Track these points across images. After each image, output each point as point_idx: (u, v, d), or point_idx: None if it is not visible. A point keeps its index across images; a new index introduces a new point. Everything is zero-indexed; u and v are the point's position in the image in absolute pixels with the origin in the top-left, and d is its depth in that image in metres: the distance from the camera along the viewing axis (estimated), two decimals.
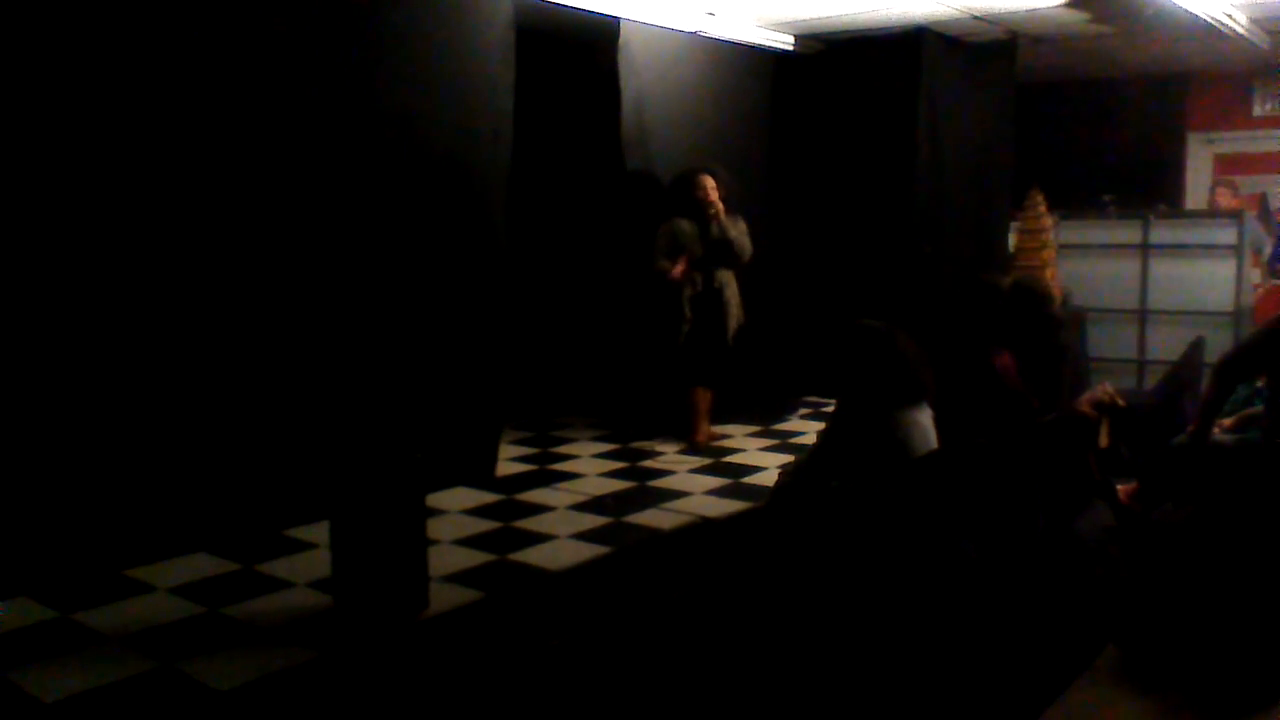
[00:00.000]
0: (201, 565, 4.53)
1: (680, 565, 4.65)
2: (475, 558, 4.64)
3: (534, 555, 4.69)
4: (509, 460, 6.27)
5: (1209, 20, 6.92)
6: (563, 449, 6.65)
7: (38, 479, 4.21)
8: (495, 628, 3.98)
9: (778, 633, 3.63)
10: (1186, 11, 6.66)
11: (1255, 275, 8.55)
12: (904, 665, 3.32)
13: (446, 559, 4.52)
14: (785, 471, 4.48)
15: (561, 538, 4.92)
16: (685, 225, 6.60)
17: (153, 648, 3.70)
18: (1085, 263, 8.40)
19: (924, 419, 3.94)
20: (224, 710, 3.29)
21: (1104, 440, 3.99)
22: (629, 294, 7.06)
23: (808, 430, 7.23)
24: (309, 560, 4.60)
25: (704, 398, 6.78)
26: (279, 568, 4.52)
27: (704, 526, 5.12)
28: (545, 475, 6.05)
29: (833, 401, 7.83)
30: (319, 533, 4.84)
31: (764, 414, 7.58)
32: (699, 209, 6.60)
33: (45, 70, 4.12)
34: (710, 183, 6.62)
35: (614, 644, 3.74)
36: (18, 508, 4.16)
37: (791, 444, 6.82)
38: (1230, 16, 7.03)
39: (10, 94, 4.05)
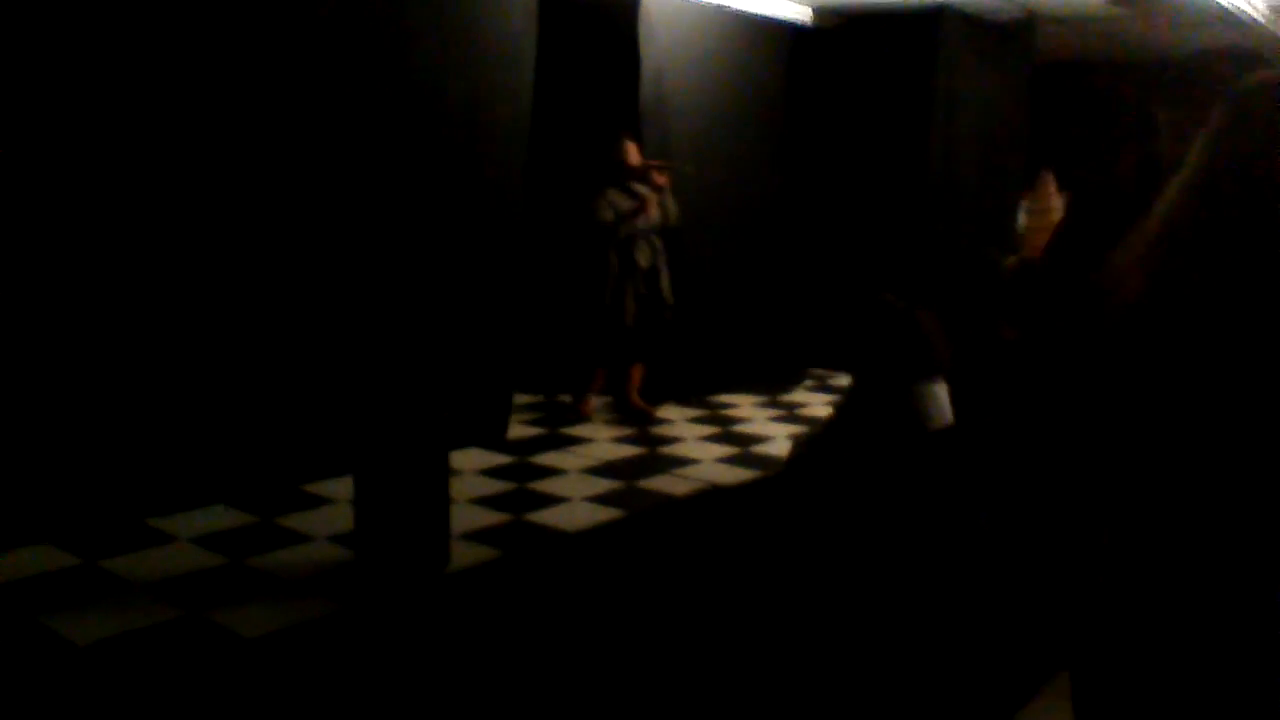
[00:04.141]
0: (221, 517, 4.60)
1: (695, 530, 4.73)
2: (492, 517, 4.72)
3: (550, 516, 4.77)
4: (519, 424, 6.33)
5: (1228, 6, 6.94)
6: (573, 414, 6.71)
7: (59, 428, 4.27)
8: (517, 585, 4.06)
9: (795, 598, 3.71)
10: None
11: None
12: (916, 634, 3.41)
13: (464, 518, 4.59)
14: (799, 442, 4.56)
15: (575, 500, 5.00)
16: (618, 197, 6.34)
17: (179, 595, 3.77)
18: None
19: (940, 393, 4.01)
20: (254, 656, 3.37)
21: None
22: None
23: (813, 402, 7.30)
24: (327, 515, 4.67)
25: (602, 375, 6.64)
26: (298, 521, 4.59)
27: (716, 493, 5.19)
28: (556, 439, 6.12)
29: (837, 373, 8.01)
30: (334, 488, 4.93)
31: (770, 385, 7.65)
32: (623, 174, 6.36)
33: (71, 52, 4.14)
34: (634, 147, 6.43)
35: (633, 606, 3.82)
36: (39, 456, 4.21)
37: (798, 415, 6.89)
38: (1250, 3, 7.06)
39: (43, 76, 4.07)
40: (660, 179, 6.40)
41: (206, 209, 4.61)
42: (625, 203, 6.33)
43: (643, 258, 6.45)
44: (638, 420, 6.55)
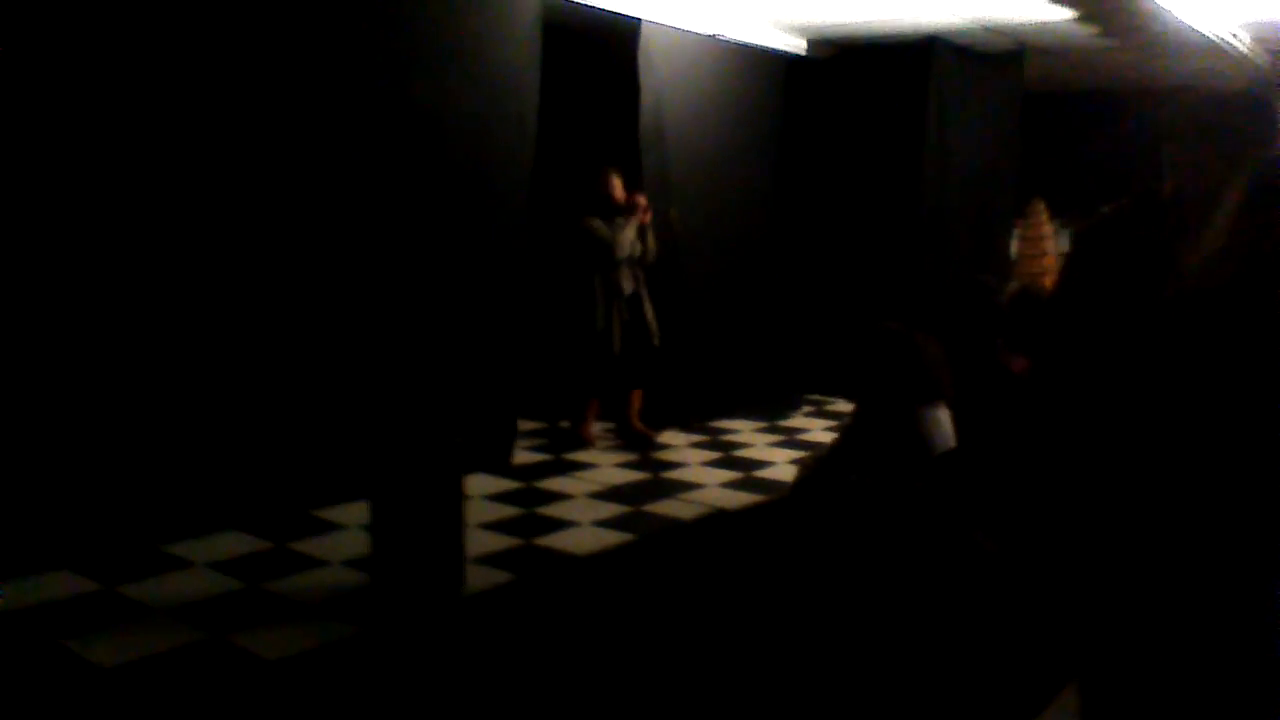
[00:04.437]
0: (234, 543, 4.66)
1: (703, 554, 4.81)
2: (503, 541, 4.79)
3: (559, 540, 4.84)
4: (523, 449, 6.40)
5: (1214, 39, 7.12)
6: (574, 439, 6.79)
7: (75, 456, 4.33)
8: (531, 608, 4.13)
9: (802, 620, 3.79)
10: (1194, 30, 6.85)
11: None
12: (920, 655, 3.49)
13: (476, 542, 4.65)
14: (804, 466, 4.65)
15: (584, 524, 5.08)
16: (599, 225, 6.48)
17: (200, 619, 3.84)
18: None
19: (943, 418, 4.10)
20: (276, 679, 3.43)
21: None
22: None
23: (813, 427, 7.40)
24: (340, 539, 4.74)
25: (596, 403, 6.73)
26: (311, 546, 4.65)
27: (721, 517, 5.28)
28: (560, 464, 6.19)
29: (834, 399, 8.11)
30: (345, 514, 5.00)
31: (769, 410, 7.75)
32: (607, 206, 6.53)
33: (88, 68, 4.24)
34: (618, 180, 6.58)
35: (644, 628, 3.90)
36: (57, 483, 4.27)
37: (799, 440, 6.99)
38: (1235, 36, 7.23)
39: (74, 82, 4.17)
40: (645, 215, 6.54)
41: (217, 240, 4.70)
42: (607, 230, 6.47)
43: (625, 284, 6.58)
44: (639, 445, 6.64)
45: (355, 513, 4.90)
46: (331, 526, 4.92)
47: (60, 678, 3.38)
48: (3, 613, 3.82)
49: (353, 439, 5.11)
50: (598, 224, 6.50)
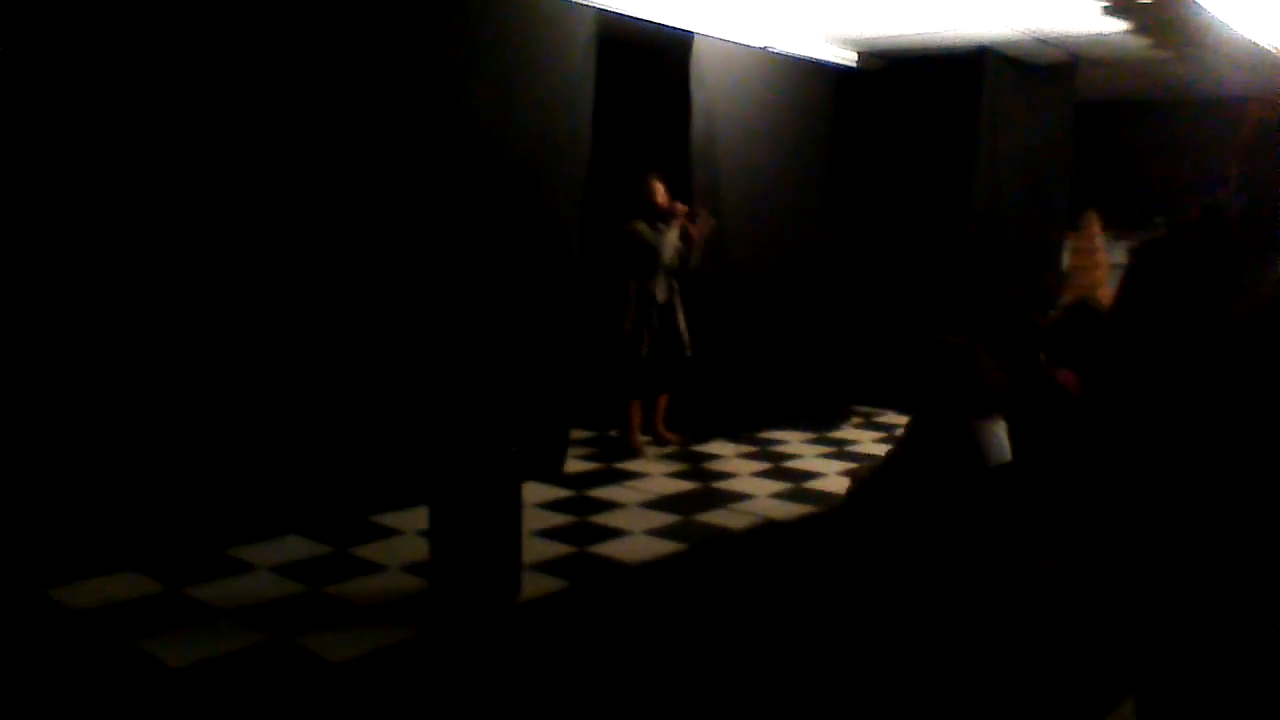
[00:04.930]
0: (296, 547, 4.76)
1: (756, 564, 4.84)
2: (557, 549, 4.85)
3: (612, 549, 4.89)
4: (574, 458, 6.46)
5: (1271, 49, 7.05)
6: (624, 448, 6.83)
7: (142, 460, 4.44)
8: (585, 615, 4.18)
9: (856, 632, 3.81)
10: (1248, 40, 6.80)
11: None
12: (974, 669, 3.49)
13: (530, 549, 4.71)
14: (858, 478, 4.66)
15: (636, 533, 5.12)
16: (645, 229, 6.59)
17: (264, 621, 3.92)
18: None
19: (1000, 430, 4.11)
20: (338, 681, 3.50)
21: None
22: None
23: (862, 438, 7.40)
24: (398, 545, 4.81)
25: (637, 408, 6.81)
26: (370, 551, 4.73)
27: (773, 527, 5.30)
28: (611, 474, 6.25)
29: (883, 410, 8.10)
30: (403, 519, 5.09)
31: (816, 422, 7.76)
32: (651, 212, 6.63)
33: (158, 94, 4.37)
34: (661, 187, 6.67)
35: (697, 637, 3.93)
36: (123, 487, 4.39)
37: (848, 451, 6.99)
38: None
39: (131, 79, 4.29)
40: (690, 225, 6.63)
41: (282, 250, 4.80)
42: (652, 235, 6.56)
43: (660, 292, 6.63)
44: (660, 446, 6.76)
45: (414, 519, 4.99)
46: (390, 532, 5.00)
47: (130, 677, 3.48)
48: (74, 612, 3.93)
49: (412, 446, 5.19)
50: (643, 227, 6.59)
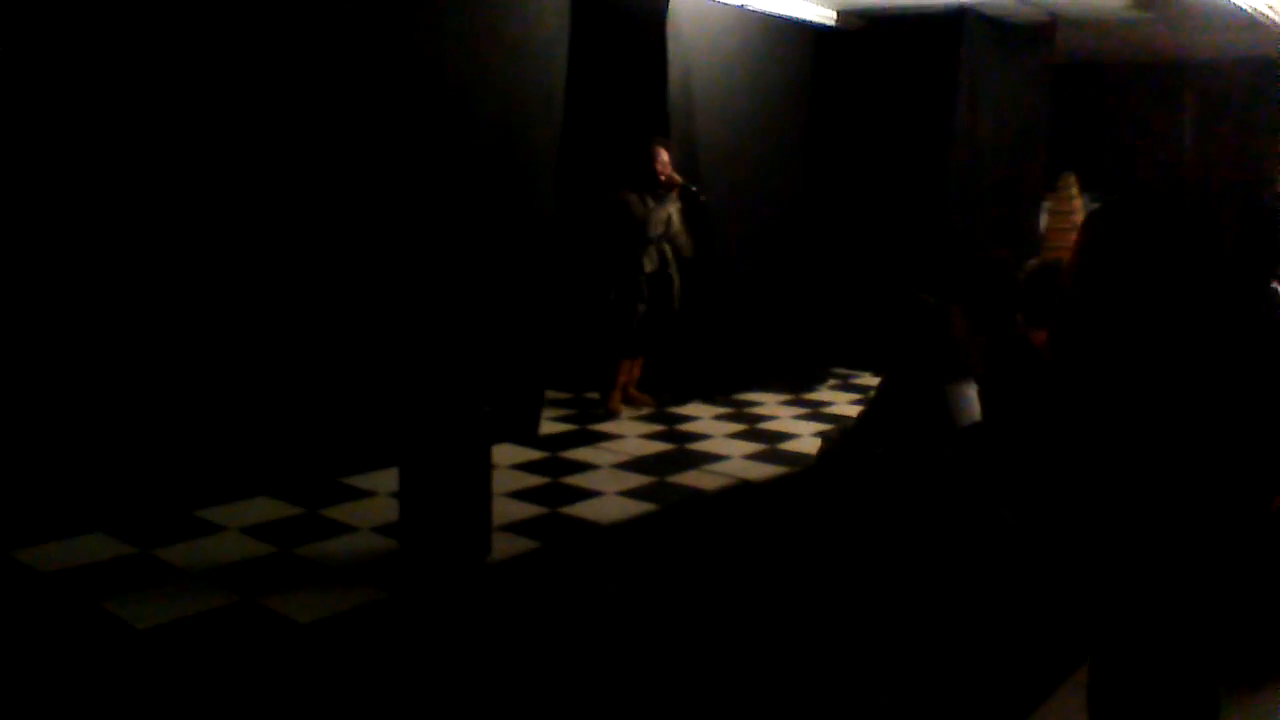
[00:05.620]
0: (266, 508, 4.73)
1: (727, 524, 4.85)
2: (529, 510, 4.84)
3: (584, 509, 4.89)
4: (549, 420, 6.45)
5: (1249, 10, 7.03)
6: (601, 411, 6.82)
7: (111, 422, 4.40)
8: (556, 575, 4.18)
9: (824, 592, 3.82)
10: (1230, 3, 6.77)
11: None
12: (939, 627, 3.52)
13: (502, 510, 4.70)
14: (829, 439, 4.67)
15: (608, 494, 5.12)
16: (634, 201, 6.48)
17: (233, 582, 3.91)
18: None
19: (970, 392, 4.11)
20: (308, 641, 3.50)
21: None
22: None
23: (837, 400, 7.41)
24: (368, 506, 4.80)
25: (627, 368, 6.79)
26: (340, 513, 4.72)
27: (746, 488, 5.31)
28: (586, 435, 6.24)
29: (859, 372, 8.11)
30: (373, 481, 5.08)
31: (793, 383, 7.76)
32: (651, 181, 6.48)
33: (122, 56, 4.28)
34: (665, 155, 6.51)
35: (668, 597, 3.94)
36: (91, 449, 4.35)
37: (823, 413, 7.00)
38: (1270, 7, 7.14)
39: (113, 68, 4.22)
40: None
41: (249, 211, 4.74)
42: (641, 208, 6.47)
43: (648, 263, 6.59)
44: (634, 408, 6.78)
45: (384, 480, 4.96)
46: (361, 493, 4.98)
47: (97, 638, 3.46)
48: (41, 573, 3.91)
49: (382, 408, 5.16)
50: (634, 199, 6.49)
